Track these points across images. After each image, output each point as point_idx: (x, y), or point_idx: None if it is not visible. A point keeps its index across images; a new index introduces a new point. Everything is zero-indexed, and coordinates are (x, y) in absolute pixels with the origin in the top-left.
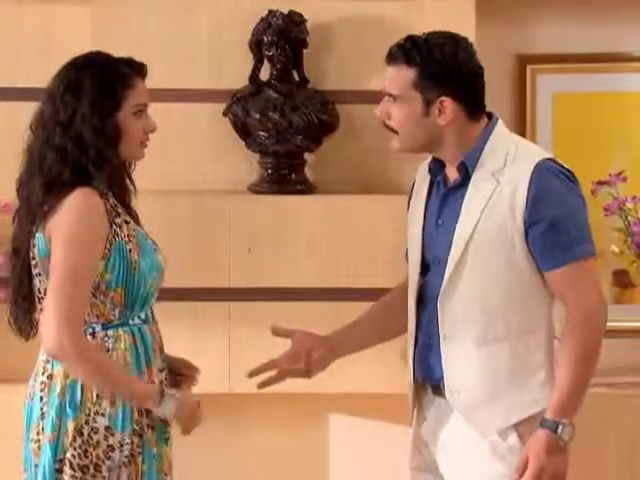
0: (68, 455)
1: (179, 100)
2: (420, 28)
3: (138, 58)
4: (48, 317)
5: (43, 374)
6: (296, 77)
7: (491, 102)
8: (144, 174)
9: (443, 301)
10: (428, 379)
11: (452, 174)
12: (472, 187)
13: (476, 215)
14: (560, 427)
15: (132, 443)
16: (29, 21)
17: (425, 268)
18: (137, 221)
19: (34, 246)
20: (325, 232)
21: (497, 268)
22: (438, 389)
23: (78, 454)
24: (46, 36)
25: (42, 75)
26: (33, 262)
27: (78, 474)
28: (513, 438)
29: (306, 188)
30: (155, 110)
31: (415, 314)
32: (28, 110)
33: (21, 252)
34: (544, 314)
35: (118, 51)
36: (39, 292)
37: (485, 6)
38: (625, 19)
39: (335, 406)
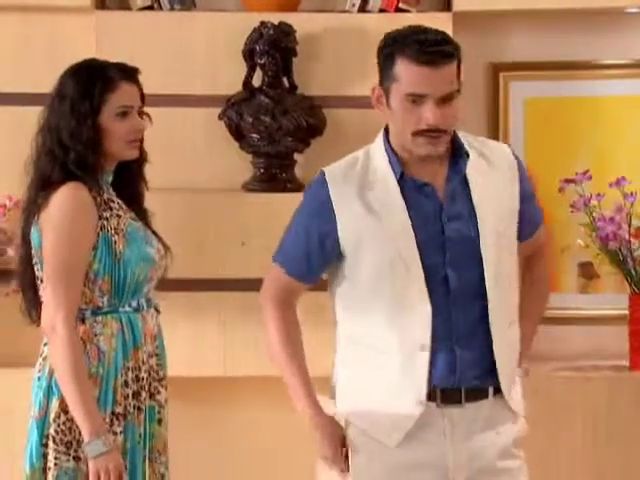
0: (51, 431)
1: (178, 105)
2: None
3: (139, 66)
4: (46, 302)
5: (41, 356)
6: (286, 83)
7: (466, 107)
8: (145, 173)
9: (493, 290)
10: (463, 382)
11: (434, 170)
12: (475, 175)
13: (493, 202)
14: None
15: (112, 423)
16: (35, 30)
17: (432, 272)
18: (144, 217)
19: (32, 239)
20: None
21: (513, 247)
22: (456, 394)
23: (62, 430)
24: (51, 44)
25: (48, 81)
26: (32, 253)
27: (62, 448)
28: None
29: (295, 186)
30: (155, 114)
31: (432, 320)
32: (35, 114)
33: (24, 245)
34: None
35: (120, 59)
36: (40, 280)
37: (461, 18)
38: (590, 30)
39: (322, 389)
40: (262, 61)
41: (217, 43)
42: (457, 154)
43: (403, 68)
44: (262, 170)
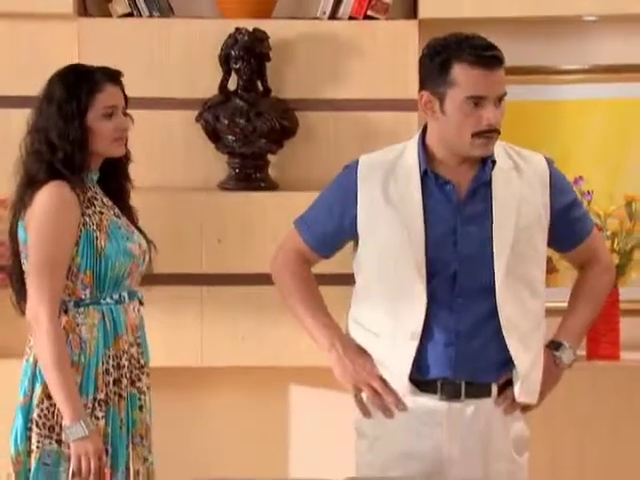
0: (35, 415)
1: (157, 107)
2: (369, 45)
3: (121, 70)
4: (30, 295)
5: (28, 345)
6: (260, 87)
7: None
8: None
9: (503, 292)
10: (467, 375)
11: (462, 173)
12: (499, 181)
13: (513, 209)
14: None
15: (94, 408)
16: (20, 36)
17: (438, 267)
18: (129, 214)
19: (18, 235)
20: (285, 224)
21: (538, 256)
22: (455, 387)
23: (45, 415)
24: (36, 50)
25: (32, 84)
26: (20, 248)
27: (45, 432)
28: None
29: (269, 185)
30: (135, 116)
31: (429, 312)
32: (21, 116)
33: (12, 241)
34: None
35: (102, 64)
36: (26, 273)
37: (427, 26)
38: (550, 37)
39: (295, 378)
40: (237, 66)
41: (194, 49)
42: (486, 160)
43: (462, 73)
44: (237, 170)
